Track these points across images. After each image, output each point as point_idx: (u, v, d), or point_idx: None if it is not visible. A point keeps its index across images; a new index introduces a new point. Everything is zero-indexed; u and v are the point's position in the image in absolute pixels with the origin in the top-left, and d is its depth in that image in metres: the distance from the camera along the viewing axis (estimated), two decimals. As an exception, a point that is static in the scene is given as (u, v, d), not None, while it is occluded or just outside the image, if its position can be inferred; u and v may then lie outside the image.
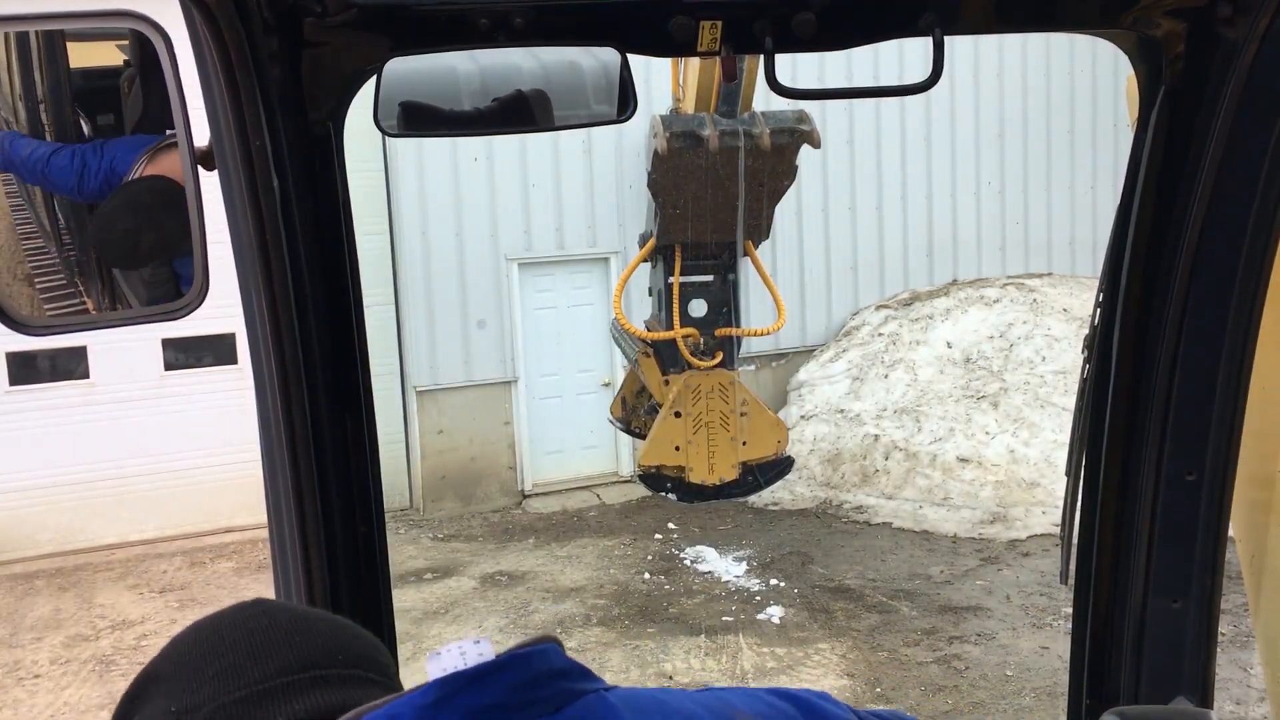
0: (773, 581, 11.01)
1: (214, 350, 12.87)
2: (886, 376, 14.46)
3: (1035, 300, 15.16)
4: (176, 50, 1.74)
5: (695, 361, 8.59)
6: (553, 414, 14.33)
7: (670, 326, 8.56)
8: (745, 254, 8.57)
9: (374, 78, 1.85)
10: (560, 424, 14.34)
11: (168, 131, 1.79)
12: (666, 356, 8.70)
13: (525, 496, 14.21)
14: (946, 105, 15.57)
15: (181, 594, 11.44)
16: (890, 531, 12.40)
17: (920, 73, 1.91)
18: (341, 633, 1.18)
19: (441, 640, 9.97)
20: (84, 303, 2.14)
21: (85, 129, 2.04)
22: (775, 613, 10.25)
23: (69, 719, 8.89)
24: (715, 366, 8.62)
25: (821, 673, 9.05)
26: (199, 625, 1.17)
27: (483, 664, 1.07)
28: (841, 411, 14.25)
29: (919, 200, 15.89)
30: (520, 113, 2.03)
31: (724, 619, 10.18)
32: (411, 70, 1.88)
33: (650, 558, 11.86)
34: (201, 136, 1.76)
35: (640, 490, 11.07)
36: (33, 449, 12.72)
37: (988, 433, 13.46)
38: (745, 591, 10.84)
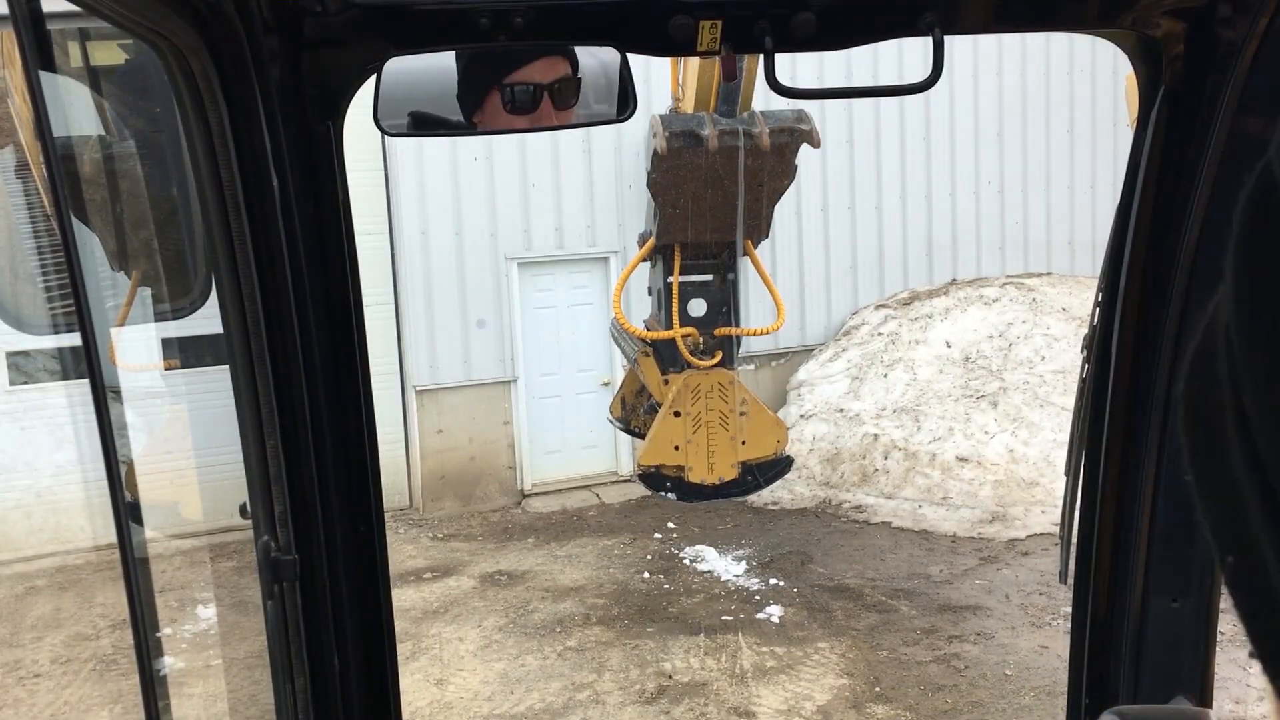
0: (772, 581, 11.01)
1: (214, 349, 12.88)
2: (886, 376, 14.46)
3: (1034, 300, 15.16)
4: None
5: (695, 361, 8.59)
6: (552, 413, 14.33)
7: (670, 326, 8.55)
8: (745, 253, 8.57)
9: (374, 78, 1.85)
10: (560, 423, 14.34)
11: None
12: (666, 356, 8.70)
13: (525, 496, 14.21)
14: (946, 105, 15.57)
15: (181, 593, 11.43)
16: (889, 531, 12.39)
17: (920, 73, 1.91)
18: None
19: (440, 640, 9.97)
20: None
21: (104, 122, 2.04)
22: (775, 612, 10.25)
23: (70, 719, 8.89)
24: (715, 366, 8.62)
25: (821, 672, 9.05)
26: None
27: None
28: (841, 411, 14.25)
29: (918, 200, 15.89)
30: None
31: (723, 618, 10.18)
32: (411, 70, 1.89)
33: (650, 557, 11.86)
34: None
35: (640, 490, 11.07)
36: (34, 448, 12.71)
37: (987, 432, 13.46)
38: (744, 591, 10.84)
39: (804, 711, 8.45)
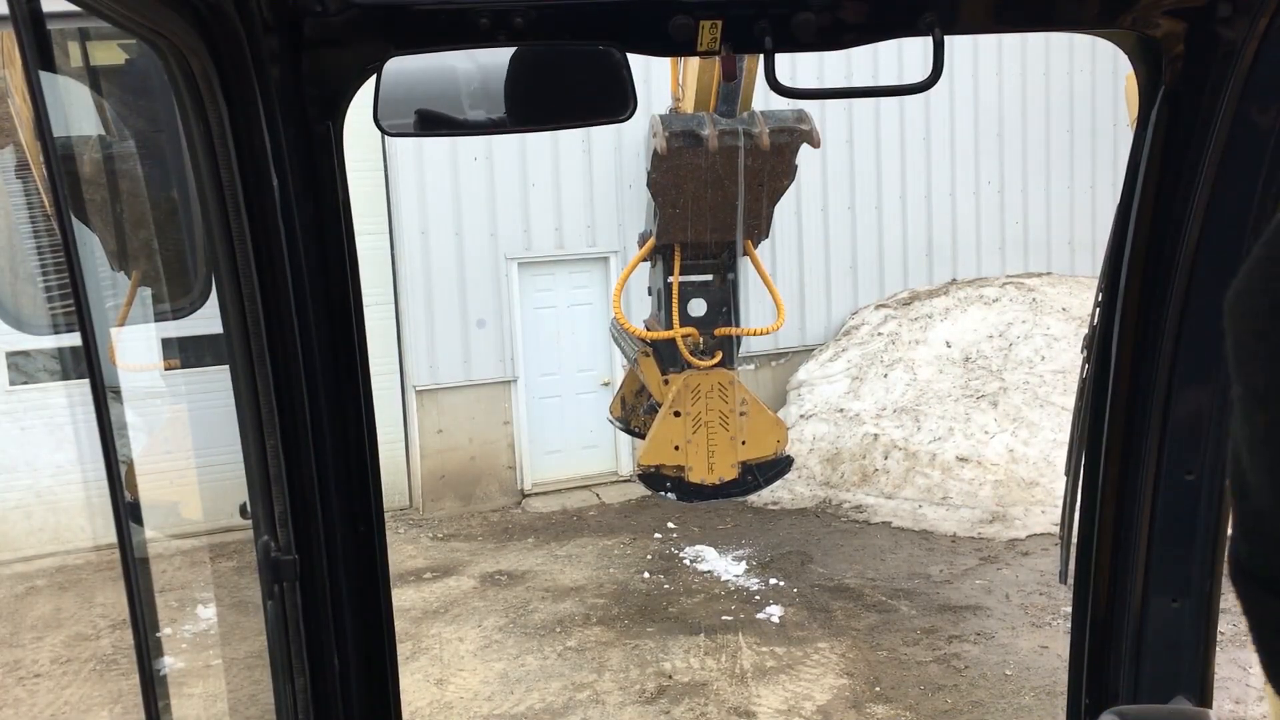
0: (772, 581, 11.01)
1: (214, 349, 12.88)
2: (886, 376, 14.46)
3: (1034, 300, 15.16)
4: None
5: (695, 361, 8.60)
6: (552, 413, 14.33)
7: (670, 326, 8.56)
8: (745, 253, 8.58)
9: (374, 78, 1.85)
10: (560, 423, 14.34)
11: None
12: (666, 356, 8.71)
13: (525, 496, 14.21)
14: (946, 105, 15.57)
15: (181, 594, 11.43)
16: (889, 531, 12.39)
17: (920, 73, 1.91)
18: None
19: (440, 640, 9.97)
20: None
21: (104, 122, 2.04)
22: (775, 612, 10.24)
23: (70, 719, 8.89)
24: (715, 366, 8.63)
25: (821, 672, 9.05)
26: None
27: None
28: (841, 411, 14.25)
29: (918, 200, 15.89)
30: (520, 112, 2.03)
31: (723, 618, 10.18)
32: (411, 70, 1.89)
33: (650, 557, 11.86)
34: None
35: (640, 490, 11.07)
36: (34, 448, 12.71)
37: (987, 432, 13.45)
38: (745, 591, 10.84)
39: (804, 711, 8.45)
